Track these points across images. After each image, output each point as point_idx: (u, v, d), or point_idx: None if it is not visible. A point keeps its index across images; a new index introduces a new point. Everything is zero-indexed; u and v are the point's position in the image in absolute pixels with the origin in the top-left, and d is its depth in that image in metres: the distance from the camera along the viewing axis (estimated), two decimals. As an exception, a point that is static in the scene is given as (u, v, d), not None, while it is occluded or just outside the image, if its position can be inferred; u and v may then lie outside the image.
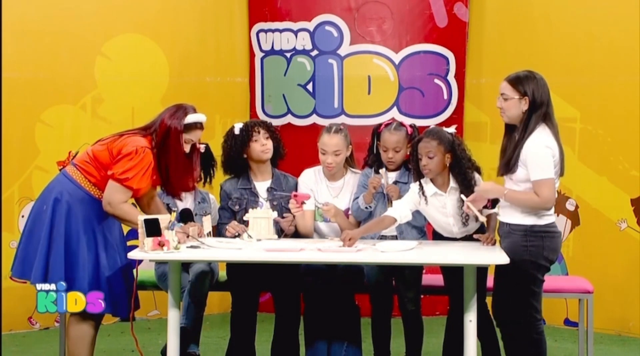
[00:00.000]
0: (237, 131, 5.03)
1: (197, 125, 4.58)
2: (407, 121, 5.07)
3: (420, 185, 4.69)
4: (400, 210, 4.67)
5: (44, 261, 4.45)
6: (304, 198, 4.87)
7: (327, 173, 5.03)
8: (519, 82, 4.30)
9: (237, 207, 5.00)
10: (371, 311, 4.97)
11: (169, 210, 4.83)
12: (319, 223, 4.98)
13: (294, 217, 4.91)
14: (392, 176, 4.92)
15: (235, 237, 4.82)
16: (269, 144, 5.02)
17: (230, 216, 5.00)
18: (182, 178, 4.60)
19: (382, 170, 4.82)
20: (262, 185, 5.05)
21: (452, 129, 4.75)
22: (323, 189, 5.02)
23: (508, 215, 4.36)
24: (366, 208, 4.87)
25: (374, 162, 4.95)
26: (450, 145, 4.64)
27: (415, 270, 4.85)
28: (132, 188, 4.40)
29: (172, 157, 4.51)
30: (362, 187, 4.94)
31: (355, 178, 5.02)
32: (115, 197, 4.40)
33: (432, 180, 4.69)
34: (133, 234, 5.09)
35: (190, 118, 4.55)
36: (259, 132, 5.00)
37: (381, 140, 4.90)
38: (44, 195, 4.52)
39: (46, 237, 4.45)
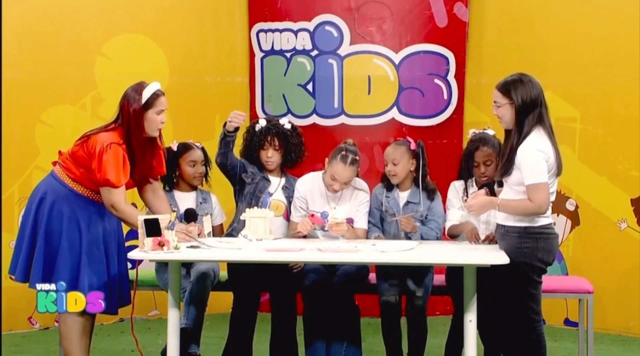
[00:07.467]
0: (257, 128, 5.05)
1: (157, 94, 4.61)
2: (415, 138, 5.03)
3: (466, 186, 4.84)
4: (454, 218, 4.87)
5: (26, 259, 4.57)
6: (318, 222, 4.83)
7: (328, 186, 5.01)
8: (506, 87, 4.33)
9: (249, 180, 5.02)
10: (380, 313, 4.89)
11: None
12: (317, 231, 4.96)
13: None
14: (404, 196, 4.92)
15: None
16: (275, 157, 5.02)
17: (240, 187, 5.04)
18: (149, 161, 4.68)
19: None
20: (273, 179, 5.07)
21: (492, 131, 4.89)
22: (319, 197, 4.99)
23: (503, 217, 4.38)
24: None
25: (386, 179, 4.96)
26: (498, 151, 4.73)
27: (424, 269, 4.85)
28: (118, 185, 4.48)
29: (141, 138, 4.58)
30: (374, 209, 4.95)
31: (353, 191, 4.99)
32: (113, 199, 4.48)
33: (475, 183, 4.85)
34: (133, 234, 5.08)
35: (147, 93, 4.58)
36: (270, 143, 5.01)
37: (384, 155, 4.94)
38: (33, 196, 4.65)
39: (30, 235, 4.58)
